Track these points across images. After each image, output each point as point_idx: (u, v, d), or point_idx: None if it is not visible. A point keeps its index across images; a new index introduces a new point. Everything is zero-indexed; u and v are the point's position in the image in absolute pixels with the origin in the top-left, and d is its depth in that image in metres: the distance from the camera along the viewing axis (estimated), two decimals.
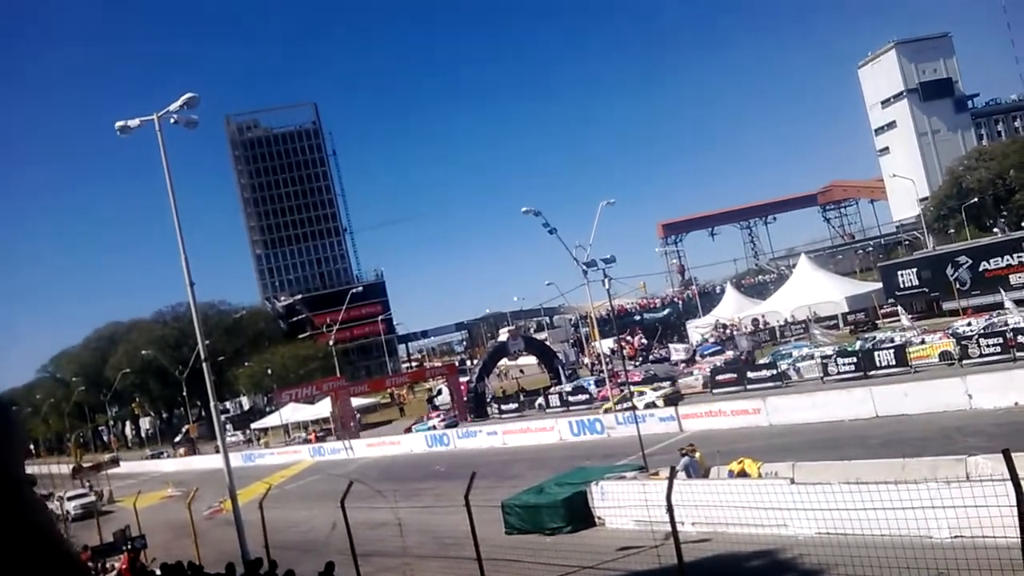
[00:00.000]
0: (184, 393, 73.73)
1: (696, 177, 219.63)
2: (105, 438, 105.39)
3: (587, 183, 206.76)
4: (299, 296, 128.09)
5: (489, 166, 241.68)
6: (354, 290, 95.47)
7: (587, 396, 47.11)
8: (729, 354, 50.69)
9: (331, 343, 77.41)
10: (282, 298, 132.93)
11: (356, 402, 62.13)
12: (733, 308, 67.29)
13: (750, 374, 39.59)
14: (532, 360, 65.49)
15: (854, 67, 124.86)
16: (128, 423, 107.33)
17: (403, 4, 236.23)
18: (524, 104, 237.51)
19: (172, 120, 21.78)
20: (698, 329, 67.98)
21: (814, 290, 59.26)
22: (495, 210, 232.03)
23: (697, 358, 54.17)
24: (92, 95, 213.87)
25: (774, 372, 38.56)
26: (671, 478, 13.08)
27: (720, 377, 40.75)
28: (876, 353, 35.44)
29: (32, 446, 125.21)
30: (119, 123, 22.18)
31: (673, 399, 38.76)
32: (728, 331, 60.91)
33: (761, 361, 44.50)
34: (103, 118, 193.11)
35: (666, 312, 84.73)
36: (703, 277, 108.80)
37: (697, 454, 19.71)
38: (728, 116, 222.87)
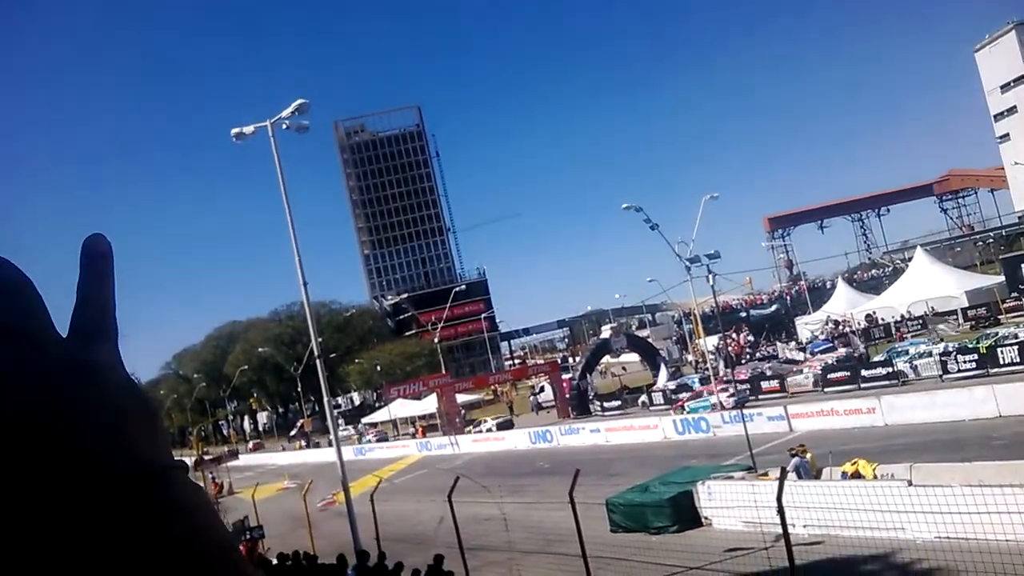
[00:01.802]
0: (298, 389, 76.82)
1: (804, 169, 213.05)
2: (225, 432, 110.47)
3: (690, 177, 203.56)
4: (405, 295, 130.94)
5: (590, 162, 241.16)
6: (457, 288, 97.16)
7: (692, 394, 46.43)
8: (841, 351, 48.99)
9: (436, 340, 78.86)
10: (389, 297, 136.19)
11: (461, 398, 63.10)
12: (845, 304, 64.92)
13: (864, 372, 38.17)
14: (635, 357, 64.95)
15: (971, 50, 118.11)
16: (246, 417, 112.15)
17: (502, 4, 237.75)
18: (624, 98, 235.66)
19: (284, 126, 22.69)
20: (808, 326, 65.92)
21: (931, 284, 56.53)
22: (596, 207, 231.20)
23: (807, 355, 52.56)
24: (209, 103, 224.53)
25: (889, 370, 37.03)
26: (782, 478, 12.83)
27: (832, 375, 39.45)
28: (999, 349, 33.52)
29: None
30: (235, 130, 23.23)
31: (740, 402, 37.77)
32: (840, 328, 58.83)
33: (875, 358, 42.82)
34: (220, 124, 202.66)
35: (773, 308, 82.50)
36: (812, 272, 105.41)
37: (808, 455, 19.21)
38: (837, 104, 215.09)
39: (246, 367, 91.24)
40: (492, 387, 77.02)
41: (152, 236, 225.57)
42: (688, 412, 38.56)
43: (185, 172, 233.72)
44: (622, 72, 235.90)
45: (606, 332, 62.45)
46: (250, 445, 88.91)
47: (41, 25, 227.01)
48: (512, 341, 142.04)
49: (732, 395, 39.15)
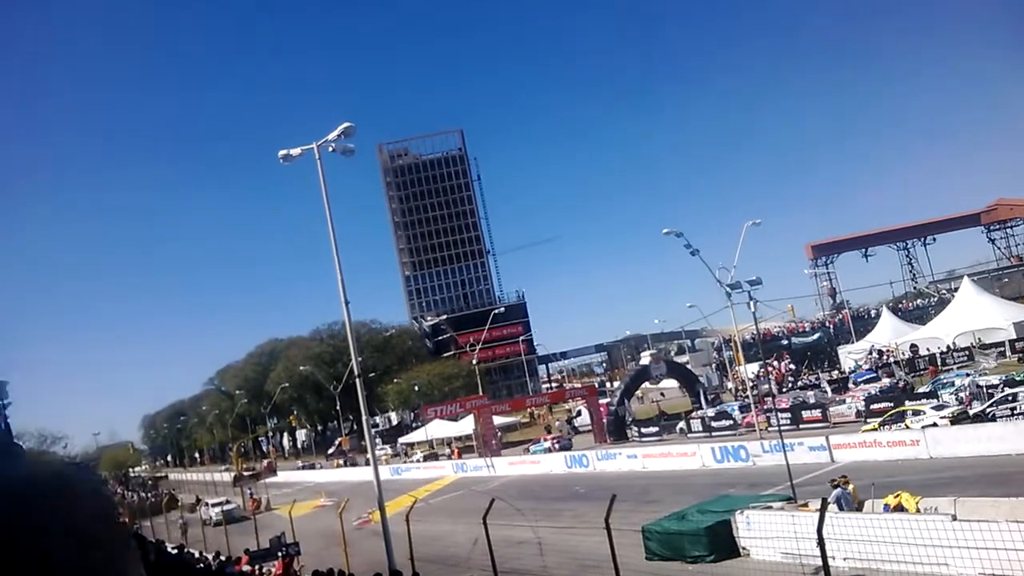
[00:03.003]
0: (337, 407, 77.42)
1: (848, 196, 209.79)
2: (264, 448, 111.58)
3: (731, 203, 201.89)
4: (444, 316, 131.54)
5: (630, 186, 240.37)
6: (496, 311, 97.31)
7: (731, 422, 45.89)
8: (885, 381, 48.08)
9: (474, 362, 79.04)
10: (428, 318, 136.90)
11: (497, 420, 63.08)
12: (889, 333, 63.74)
13: (908, 403, 37.39)
14: (673, 384, 64.43)
15: (1020, 78, 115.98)
16: (286, 434, 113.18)
17: (545, 28, 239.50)
18: (666, 123, 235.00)
19: (331, 148, 23.11)
20: (851, 355, 64.80)
21: (978, 315, 55.34)
22: (636, 231, 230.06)
23: (850, 385, 51.67)
24: (258, 125, 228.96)
25: (935, 402, 36.19)
26: (822, 510, 12.66)
27: (875, 406, 38.71)
28: None
29: (197, 454, 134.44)
30: (282, 152, 23.73)
31: (960, 418, 31.64)
32: (884, 358, 57.76)
33: (920, 390, 41.96)
34: (268, 145, 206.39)
35: (816, 337, 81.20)
36: (856, 301, 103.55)
37: (850, 486, 18.88)
38: (883, 130, 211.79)
39: (287, 384, 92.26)
40: (529, 410, 76.88)
41: (199, 253, 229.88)
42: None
43: (232, 192, 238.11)
44: (665, 97, 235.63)
45: (645, 358, 62.05)
46: (299, 464, 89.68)
47: (94, 43, 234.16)
48: (549, 364, 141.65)
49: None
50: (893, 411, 34.73)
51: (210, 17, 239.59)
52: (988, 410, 31.31)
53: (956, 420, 31.55)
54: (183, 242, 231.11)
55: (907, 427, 31.49)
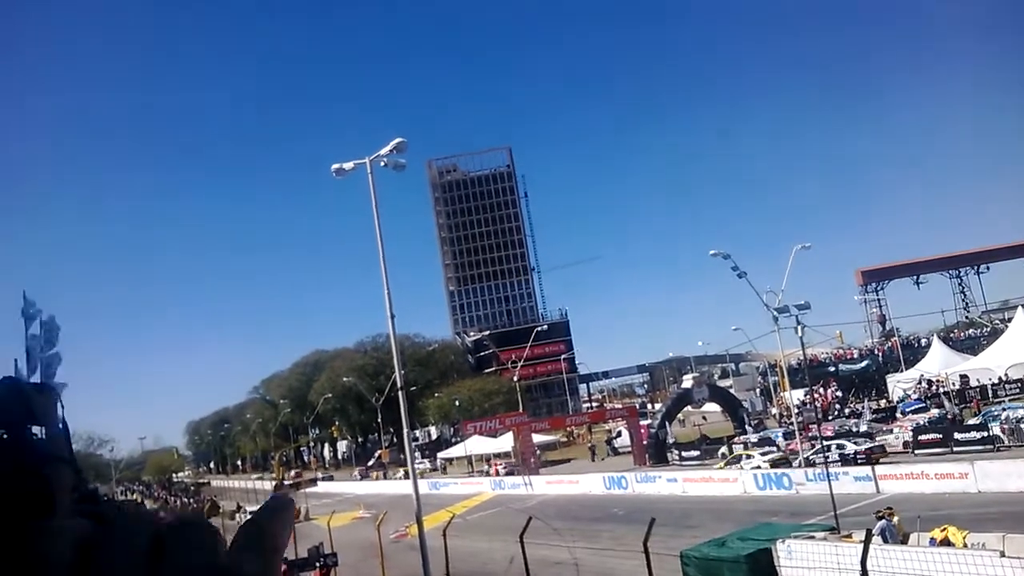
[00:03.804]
0: (379, 419, 77.95)
1: (900, 221, 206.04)
2: (306, 458, 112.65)
3: (780, 226, 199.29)
4: (487, 332, 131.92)
5: (676, 206, 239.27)
6: (539, 328, 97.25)
7: (775, 448, 45.19)
8: (934, 412, 46.97)
9: (515, 379, 79.02)
10: (471, 333, 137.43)
11: (537, 439, 62.92)
12: (939, 363, 62.27)
13: (957, 435, 36.50)
14: (715, 408, 63.70)
15: None
16: (327, 445, 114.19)
17: (595, 48, 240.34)
18: (713, 144, 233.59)
19: (382, 163, 23.42)
20: (900, 384, 63.45)
21: None
22: (681, 251, 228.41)
23: (898, 415, 50.59)
24: (311, 139, 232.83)
25: (985, 434, 35.31)
26: (867, 541, 12.46)
27: (923, 437, 37.84)
28: None
29: (240, 462, 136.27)
30: (335, 166, 24.08)
31: (779, 463, 38.71)
32: (933, 388, 56.44)
33: (970, 421, 40.92)
34: (321, 158, 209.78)
35: (864, 364, 79.74)
36: (906, 328, 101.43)
37: (895, 518, 18.48)
38: (936, 155, 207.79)
39: (330, 395, 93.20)
40: (569, 429, 76.53)
41: (249, 263, 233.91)
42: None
43: (284, 205, 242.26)
44: (714, 118, 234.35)
45: (688, 381, 61.45)
46: (355, 472, 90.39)
47: (151, 65, 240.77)
48: (591, 383, 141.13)
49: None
50: (732, 456, 42.73)
51: (265, 34, 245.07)
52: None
53: (775, 464, 38.26)
54: (234, 252, 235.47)
55: (740, 468, 38.13)
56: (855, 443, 38.69)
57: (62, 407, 0.52)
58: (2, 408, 0.51)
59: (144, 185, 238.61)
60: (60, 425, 0.51)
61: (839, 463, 35.25)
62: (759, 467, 37.97)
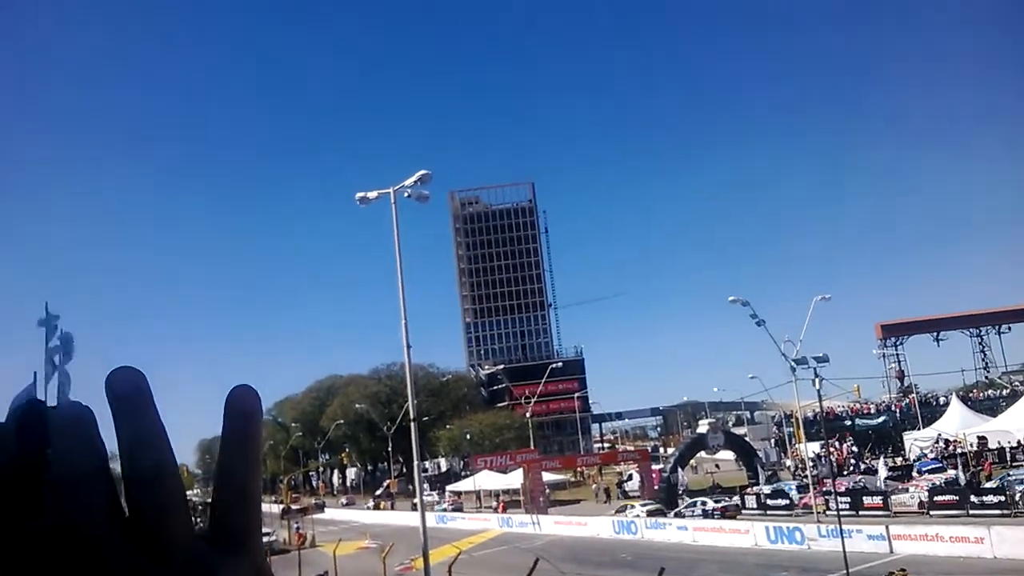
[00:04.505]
0: (389, 448, 77.72)
1: (922, 277, 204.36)
2: (314, 483, 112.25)
3: (801, 275, 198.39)
4: (501, 366, 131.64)
5: (696, 249, 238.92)
6: (554, 365, 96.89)
7: (787, 501, 44.57)
8: (951, 473, 46.22)
9: (527, 415, 78.63)
10: (485, 366, 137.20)
11: (547, 477, 62.42)
12: (958, 423, 61.34)
13: (974, 498, 35.87)
14: (729, 455, 63.02)
15: None
16: (336, 471, 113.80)
17: (619, 89, 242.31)
18: (736, 188, 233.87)
19: (406, 194, 23.68)
20: (916, 442, 62.53)
21: None
22: (700, 295, 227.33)
23: (914, 474, 49.82)
24: (336, 168, 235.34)
25: (1002, 498, 34.70)
26: None
27: (939, 498, 37.21)
28: None
29: None
30: (359, 194, 24.35)
31: (654, 513, 46.07)
32: (951, 448, 55.59)
33: (988, 484, 40.22)
34: (346, 187, 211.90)
35: (881, 420, 78.72)
36: (925, 386, 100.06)
37: None
38: (962, 211, 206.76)
39: (342, 421, 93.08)
40: (579, 469, 75.88)
41: (267, 285, 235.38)
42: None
43: (304, 229, 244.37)
44: (737, 163, 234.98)
45: (703, 427, 60.94)
46: (343, 500, 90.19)
47: (186, 104, 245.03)
48: (603, 424, 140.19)
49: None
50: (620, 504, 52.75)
51: (291, 63, 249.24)
52: None
53: (652, 514, 45.62)
54: (254, 273, 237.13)
55: (627, 517, 45.32)
56: (715, 500, 46.30)
57: (95, 427, 0.51)
58: (24, 430, 0.50)
59: (165, 207, 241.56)
60: (90, 446, 0.50)
61: (701, 516, 43.54)
62: (639, 515, 45.61)
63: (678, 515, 45.23)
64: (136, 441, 0.48)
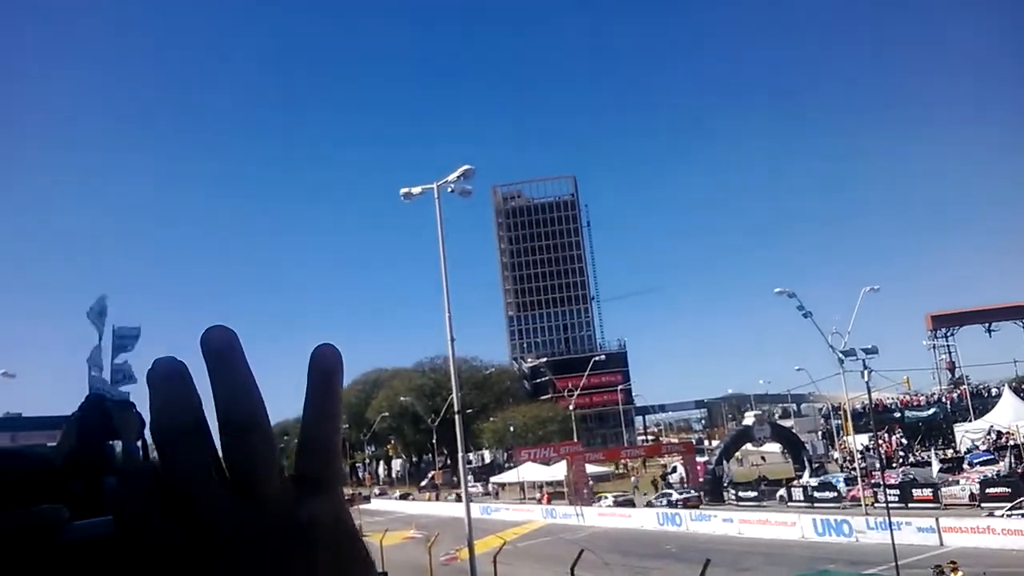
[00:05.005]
0: (433, 440, 78.46)
1: (974, 267, 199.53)
2: (360, 475, 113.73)
3: (848, 266, 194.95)
4: (544, 359, 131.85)
5: (741, 240, 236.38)
6: (597, 358, 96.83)
7: (835, 493, 44.09)
8: (1003, 465, 45.29)
9: (571, 408, 78.72)
10: (528, 359, 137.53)
11: (590, 469, 62.48)
12: (1010, 415, 59.92)
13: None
14: (775, 448, 62.43)
15: None
16: (382, 463, 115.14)
17: (661, 79, 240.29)
18: (782, 178, 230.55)
19: (449, 189, 23.94)
20: (968, 434, 61.31)
21: None
22: (746, 287, 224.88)
23: (965, 466, 48.94)
24: (373, 163, 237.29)
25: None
26: None
27: (991, 490, 36.51)
28: None
29: None
30: (403, 190, 24.69)
31: (623, 503, 51.00)
32: (1003, 439, 54.44)
33: None
34: (389, 182, 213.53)
35: (931, 412, 77.24)
36: (976, 377, 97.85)
37: (959, 574, 17.97)
38: (1013, 198, 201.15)
39: (387, 414, 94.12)
40: (623, 461, 75.80)
41: (315, 279, 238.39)
42: None
43: (352, 228, 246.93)
44: (783, 152, 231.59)
45: (749, 419, 60.49)
46: (375, 491, 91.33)
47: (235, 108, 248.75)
48: (647, 416, 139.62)
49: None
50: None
51: (334, 62, 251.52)
52: None
53: (619, 504, 50.91)
54: (301, 268, 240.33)
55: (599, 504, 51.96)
56: (680, 492, 51.90)
57: (143, 422, 0.54)
58: (87, 423, 0.53)
59: (212, 205, 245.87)
60: (139, 441, 0.54)
61: (669, 507, 47.85)
62: (611, 505, 50.80)
63: (649, 504, 50.95)
64: (230, 394, 0.52)
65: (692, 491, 52.22)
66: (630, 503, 51.70)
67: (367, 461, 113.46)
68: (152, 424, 0.50)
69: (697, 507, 46.71)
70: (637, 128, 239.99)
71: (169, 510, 0.49)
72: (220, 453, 0.52)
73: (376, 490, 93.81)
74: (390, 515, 64.56)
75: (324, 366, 0.58)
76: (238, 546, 0.49)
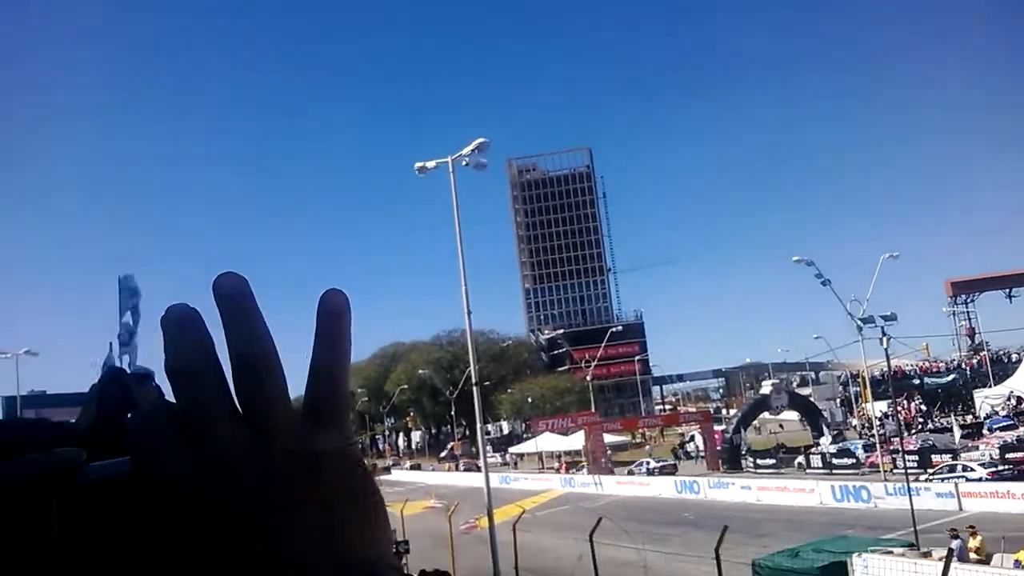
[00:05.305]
0: (452, 412, 78.95)
1: (994, 231, 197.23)
2: (380, 446, 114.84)
3: (867, 232, 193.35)
4: (561, 331, 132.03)
5: (757, 209, 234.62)
6: (614, 329, 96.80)
7: (853, 460, 44.09)
8: (1023, 430, 45.12)
9: (588, 378, 78.91)
10: (545, 331, 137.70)
11: (608, 439, 62.74)
12: None
13: None
14: (793, 416, 62.41)
15: None
16: (401, 434, 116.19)
17: (675, 46, 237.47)
18: (800, 147, 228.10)
19: (464, 163, 23.86)
20: (988, 400, 61.04)
21: None
22: (762, 255, 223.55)
23: (985, 431, 48.79)
24: (388, 138, 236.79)
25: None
26: (948, 559, 12.22)
27: (1011, 455, 36.39)
28: None
29: None
30: (418, 164, 24.64)
31: (666, 469, 52.61)
32: (1022, 405, 54.21)
33: None
34: (404, 157, 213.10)
35: (951, 378, 76.85)
36: (996, 343, 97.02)
37: (978, 538, 17.99)
38: None
39: (406, 387, 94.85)
40: (640, 431, 76.05)
41: (331, 252, 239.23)
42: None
43: (368, 203, 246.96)
44: (801, 120, 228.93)
45: (766, 387, 60.41)
46: (388, 462, 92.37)
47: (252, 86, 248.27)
48: (664, 386, 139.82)
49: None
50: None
51: (345, 34, 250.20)
52: None
53: (663, 471, 51.94)
54: (317, 242, 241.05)
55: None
56: (656, 461, 55.77)
57: (162, 395, 0.56)
58: (106, 397, 0.54)
59: (228, 177, 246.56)
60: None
61: (648, 474, 51.31)
62: (648, 472, 52.56)
63: (630, 472, 54.40)
64: (243, 335, 0.54)
65: (666, 461, 56.69)
66: (672, 469, 53.61)
67: (387, 433, 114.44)
68: (166, 364, 0.52)
69: (672, 474, 50.32)
70: (652, 99, 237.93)
71: (185, 443, 0.51)
72: (234, 394, 0.54)
73: (390, 461, 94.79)
74: (410, 485, 65.21)
75: (333, 309, 0.59)
76: (252, 474, 0.50)
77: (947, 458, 39.22)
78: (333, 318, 0.59)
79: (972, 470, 34.62)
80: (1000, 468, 33.96)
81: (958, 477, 33.96)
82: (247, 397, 0.53)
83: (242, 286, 0.54)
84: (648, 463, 55.11)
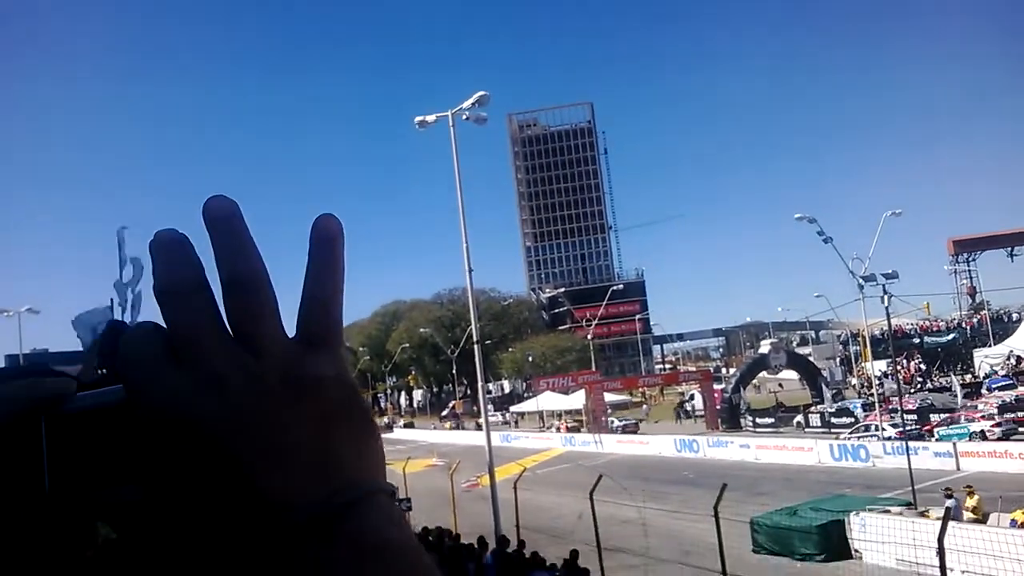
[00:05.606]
0: (453, 371, 79.28)
1: (997, 190, 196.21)
2: (382, 405, 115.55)
3: (870, 191, 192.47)
4: (562, 289, 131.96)
5: (760, 167, 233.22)
6: (615, 287, 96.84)
7: (852, 419, 44.34)
8: (1022, 390, 45.29)
9: (589, 337, 79.10)
10: (546, 290, 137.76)
11: (608, 398, 63.04)
12: None
13: None
14: (792, 375, 62.65)
15: None
16: (403, 393, 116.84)
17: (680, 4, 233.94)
18: (804, 104, 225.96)
19: (464, 117, 23.53)
20: (987, 359, 61.22)
21: None
22: (763, 214, 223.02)
23: (983, 391, 48.98)
24: (387, 93, 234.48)
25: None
26: (945, 518, 12.30)
27: (1010, 415, 36.56)
28: None
29: None
30: (418, 118, 24.28)
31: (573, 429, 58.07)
32: (1022, 364, 54.36)
33: None
34: (404, 112, 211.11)
35: (951, 337, 77.00)
36: (997, 302, 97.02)
37: (975, 497, 18.12)
38: None
39: (407, 345, 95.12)
40: (640, 389, 76.40)
41: (337, 212, 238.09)
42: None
43: (368, 159, 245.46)
44: (805, 77, 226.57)
45: (765, 347, 60.59)
46: (385, 420, 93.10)
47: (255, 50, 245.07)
48: (664, 345, 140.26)
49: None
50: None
51: None
52: None
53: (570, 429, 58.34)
54: (317, 200, 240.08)
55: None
56: (622, 421, 58.63)
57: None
58: (106, 351, 0.53)
59: (225, 133, 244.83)
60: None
61: (618, 432, 53.61)
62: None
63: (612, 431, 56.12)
64: (232, 254, 0.53)
65: (633, 420, 60.27)
66: (635, 428, 57.04)
67: (388, 392, 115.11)
68: (155, 287, 0.51)
69: (635, 432, 53.95)
70: (654, 53, 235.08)
71: (176, 364, 0.51)
72: (224, 314, 0.53)
73: (386, 419, 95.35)
74: (412, 444, 65.66)
75: (326, 233, 0.59)
76: (243, 393, 0.50)
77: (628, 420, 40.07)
78: (326, 242, 0.58)
79: (884, 430, 35.94)
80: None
81: (872, 436, 35.95)
82: (238, 317, 0.53)
83: (233, 208, 0.54)
84: (613, 421, 58.26)
